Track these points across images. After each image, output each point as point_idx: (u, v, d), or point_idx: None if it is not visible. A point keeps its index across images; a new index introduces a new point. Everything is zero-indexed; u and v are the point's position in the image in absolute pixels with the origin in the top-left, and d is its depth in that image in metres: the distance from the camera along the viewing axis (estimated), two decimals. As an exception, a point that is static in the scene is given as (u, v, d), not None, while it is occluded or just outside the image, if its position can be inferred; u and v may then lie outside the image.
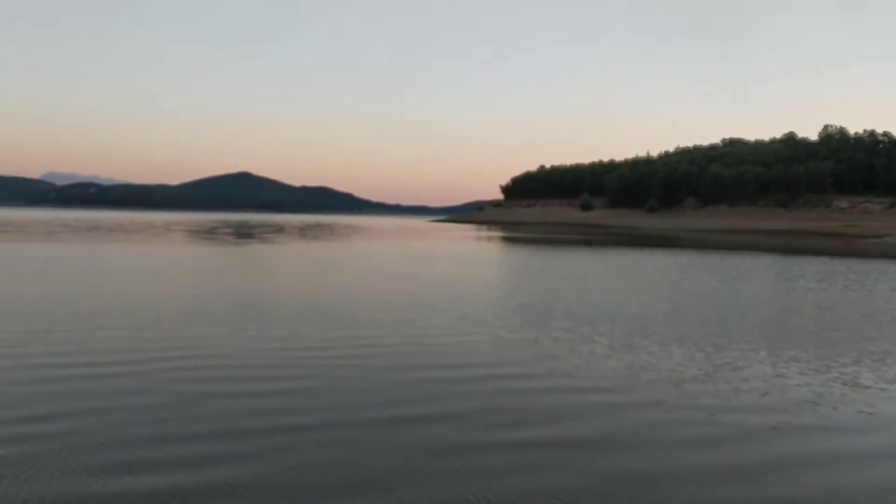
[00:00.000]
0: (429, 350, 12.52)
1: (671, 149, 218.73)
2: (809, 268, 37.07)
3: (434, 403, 8.94)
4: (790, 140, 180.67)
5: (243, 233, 75.33)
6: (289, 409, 8.56)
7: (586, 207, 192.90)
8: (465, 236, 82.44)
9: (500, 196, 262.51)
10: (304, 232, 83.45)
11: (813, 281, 29.01)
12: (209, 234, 70.53)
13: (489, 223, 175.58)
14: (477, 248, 54.79)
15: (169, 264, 31.45)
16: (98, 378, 9.78)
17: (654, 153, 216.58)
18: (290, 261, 36.20)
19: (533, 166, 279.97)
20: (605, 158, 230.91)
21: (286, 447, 7.19)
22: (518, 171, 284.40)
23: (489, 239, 76.35)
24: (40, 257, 33.09)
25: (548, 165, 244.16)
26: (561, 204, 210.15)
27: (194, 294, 19.67)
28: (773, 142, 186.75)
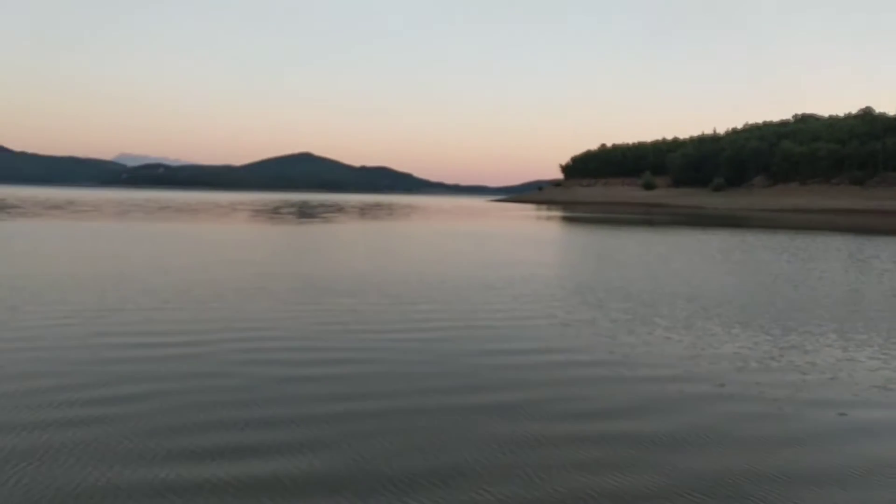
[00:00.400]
0: (485, 331, 12.45)
1: (739, 125, 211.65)
2: (885, 249, 35.43)
3: (494, 390, 8.68)
4: (867, 115, 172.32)
5: (305, 212, 76.62)
6: (351, 393, 8.39)
7: (648, 187, 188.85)
8: (523, 216, 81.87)
9: (559, 176, 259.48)
10: (363, 212, 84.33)
11: (889, 262, 27.72)
12: (273, 213, 71.99)
13: (548, 203, 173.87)
14: (535, 228, 54.34)
15: (233, 243, 32.24)
16: (162, 359, 9.96)
17: (721, 130, 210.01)
18: (351, 240, 36.63)
19: (593, 145, 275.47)
20: (669, 136, 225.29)
21: (353, 433, 7.03)
22: (578, 150, 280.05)
23: (548, 219, 75.60)
24: (114, 236, 34.38)
25: (609, 144, 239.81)
26: (622, 183, 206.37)
27: (257, 272, 20.11)
28: (849, 117, 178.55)
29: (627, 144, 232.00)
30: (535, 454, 6.63)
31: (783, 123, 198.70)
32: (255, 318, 12.86)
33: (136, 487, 5.72)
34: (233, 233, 40.48)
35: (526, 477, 6.12)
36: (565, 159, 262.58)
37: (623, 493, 5.88)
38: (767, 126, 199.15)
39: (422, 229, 49.08)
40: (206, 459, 6.26)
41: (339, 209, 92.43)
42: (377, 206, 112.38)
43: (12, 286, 16.06)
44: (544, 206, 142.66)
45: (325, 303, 14.90)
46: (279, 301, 14.99)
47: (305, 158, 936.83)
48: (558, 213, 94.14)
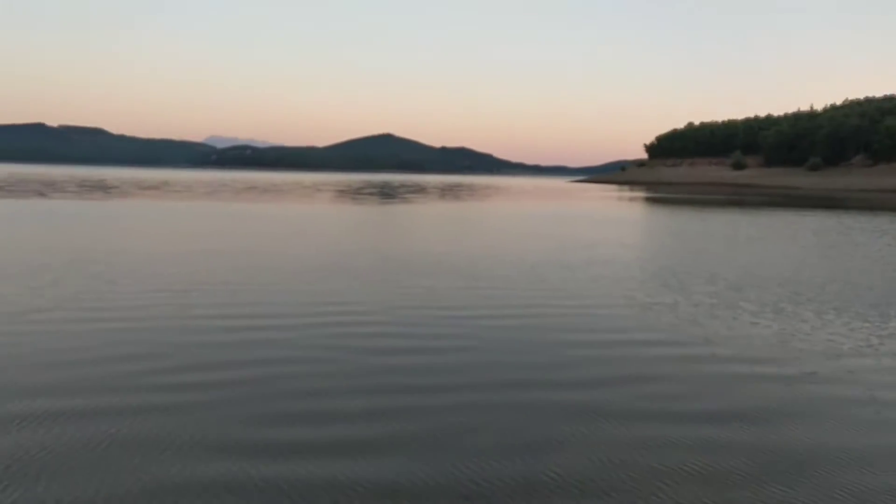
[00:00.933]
0: (563, 315, 12.25)
1: (839, 101, 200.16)
2: None
3: (574, 379, 8.38)
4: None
5: (387, 193, 77.59)
6: (429, 381, 8.20)
7: (738, 166, 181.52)
8: (604, 196, 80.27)
9: (643, 155, 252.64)
10: (444, 192, 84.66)
11: None
12: (356, 194, 73.27)
13: (631, 183, 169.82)
14: (615, 209, 53.20)
15: (317, 222, 33.01)
16: (244, 342, 10.27)
17: (819, 106, 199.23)
18: (430, 221, 36.88)
19: (680, 123, 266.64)
20: (761, 114, 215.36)
21: (433, 423, 6.84)
22: (663, 129, 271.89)
23: (630, 199, 73.87)
24: (203, 215, 35.81)
25: (696, 122, 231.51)
26: (710, 163, 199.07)
27: (344, 251, 20.55)
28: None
29: (716, 122, 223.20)
30: (619, 447, 6.40)
31: (887, 98, 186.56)
32: (335, 301, 13.02)
33: (219, 474, 5.82)
34: (316, 213, 41.43)
35: (611, 474, 5.93)
36: (649, 138, 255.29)
37: (713, 480, 5.71)
38: (870, 102, 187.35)
39: (500, 210, 48.86)
40: (285, 447, 6.15)
41: (419, 190, 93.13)
42: (457, 187, 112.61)
43: (110, 262, 16.96)
44: (626, 187, 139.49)
45: (404, 284, 15.03)
46: (361, 282, 15.25)
47: (386, 139, 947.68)
48: (641, 194, 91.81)
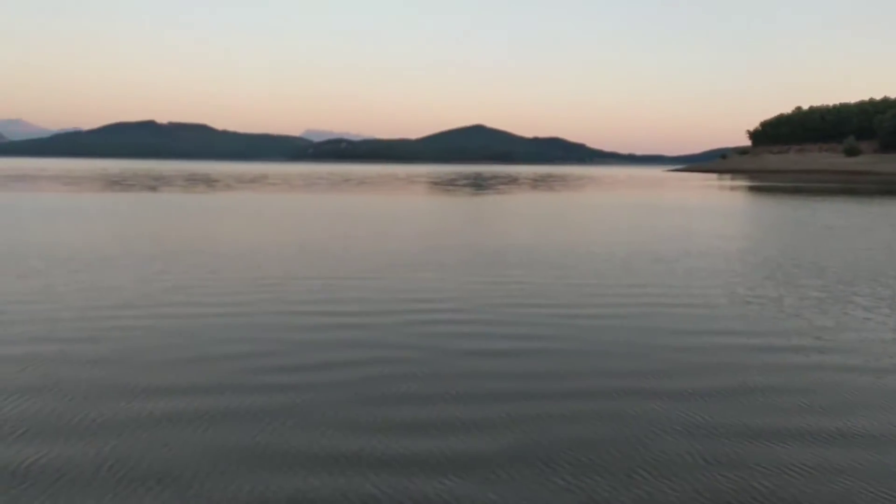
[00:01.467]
0: (658, 309, 11.80)
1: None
2: None
3: (670, 376, 8.01)
4: None
5: (479, 184, 77.64)
6: (525, 372, 8.11)
7: (851, 152, 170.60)
8: (703, 186, 77.32)
9: (745, 142, 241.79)
10: (536, 183, 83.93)
11: None
12: (448, 185, 73.68)
13: (733, 172, 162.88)
14: (715, 199, 51.08)
15: (410, 214, 33.38)
16: (338, 328, 10.53)
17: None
18: (523, 210, 36.59)
19: (786, 108, 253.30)
20: (877, 95, 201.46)
21: (531, 416, 6.72)
22: (767, 115, 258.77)
23: (731, 189, 70.81)
24: (298, 207, 36.91)
25: (805, 106, 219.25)
26: (820, 149, 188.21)
27: (436, 243, 20.70)
28: None
29: (827, 106, 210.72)
30: (723, 449, 6.08)
31: None
32: (427, 296, 12.97)
33: (321, 458, 5.93)
34: (409, 205, 41.92)
35: (712, 476, 5.64)
36: (752, 124, 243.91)
37: (826, 495, 5.32)
38: None
39: (592, 200, 47.92)
40: (385, 459, 5.86)
41: (511, 180, 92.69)
42: (550, 178, 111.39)
43: (215, 252, 17.73)
44: (727, 176, 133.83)
45: (497, 277, 14.92)
46: (453, 276, 15.29)
47: (478, 130, 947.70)
48: (743, 183, 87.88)
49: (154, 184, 64.96)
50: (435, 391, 7.44)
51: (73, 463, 5.59)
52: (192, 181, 74.29)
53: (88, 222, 26.11)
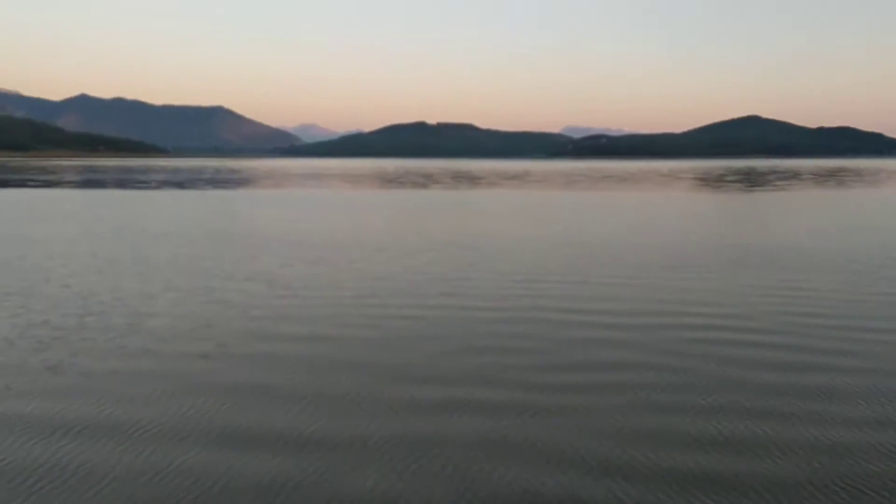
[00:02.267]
0: None
1: None
2: None
3: None
4: None
5: (752, 180, 71.18)
6: (823, 390, 7.13)
7: None
8: None
9: None
10: (822, 179, 74.57)
11: None
12: (716, 181, 68.78)
13: None
14: None
15: (670, 210, 31.66)
16: (591, 327, 9.95)
17: None
18: (803, 208, 32.67)
19: None
20: None
21: (831, 442, 5.89)
22: None
23: None
24: (557, 203, 36.64)
25: None
26: None
27: (696, 241, 19.45)
28: None
29: None
30: None
31: None
32: (687, 298, 12.05)
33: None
34: (670, 201, 39.81)
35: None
36: None
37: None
38: None
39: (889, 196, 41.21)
40: (663, 446, 5.74)
41: (792, 176, 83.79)
42: (839, 172, 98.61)
43: (475, 246, 17.97)
44: None
45: (766, 281, 13.42)
46: (716, 277, 14.20)
47: (752, 121, 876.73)
48: None
49: (423, 181, 69.22)
50: (711, 403, 6.75)
51: (356, 435, 5.91)
52: (458, 178, 77.95)
53: (366, 215, 28.71)
